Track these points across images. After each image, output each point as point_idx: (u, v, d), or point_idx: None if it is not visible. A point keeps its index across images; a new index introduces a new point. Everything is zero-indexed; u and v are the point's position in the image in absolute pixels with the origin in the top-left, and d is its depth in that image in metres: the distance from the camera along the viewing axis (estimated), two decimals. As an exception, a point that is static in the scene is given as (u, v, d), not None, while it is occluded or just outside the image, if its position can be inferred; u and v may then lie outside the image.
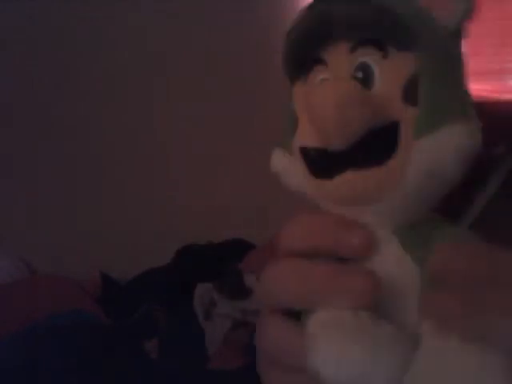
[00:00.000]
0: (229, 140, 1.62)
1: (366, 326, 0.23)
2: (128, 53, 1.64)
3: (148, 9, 1.64)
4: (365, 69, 0.25)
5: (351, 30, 0.25)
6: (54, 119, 1.63)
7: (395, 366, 0.23)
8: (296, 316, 0.26)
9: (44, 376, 0.85)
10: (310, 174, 0.26)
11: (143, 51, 1.62)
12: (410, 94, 0.24)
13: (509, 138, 0.48)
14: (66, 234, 1.57)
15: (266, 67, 1.48)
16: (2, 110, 1.59)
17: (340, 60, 0.26)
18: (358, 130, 0.24)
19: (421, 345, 0.23)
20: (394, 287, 0.25)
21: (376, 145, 0.24)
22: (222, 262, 1.31)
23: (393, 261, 0.25)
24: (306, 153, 0.26)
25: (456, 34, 0.25)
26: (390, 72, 0.24)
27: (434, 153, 0.24)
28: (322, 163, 0.26)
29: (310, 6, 0.26)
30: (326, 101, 0.24)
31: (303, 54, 0.27)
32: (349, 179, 0.25)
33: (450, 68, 0.25)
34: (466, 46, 0.26)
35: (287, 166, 0.28)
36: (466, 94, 0.25)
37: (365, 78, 0.25)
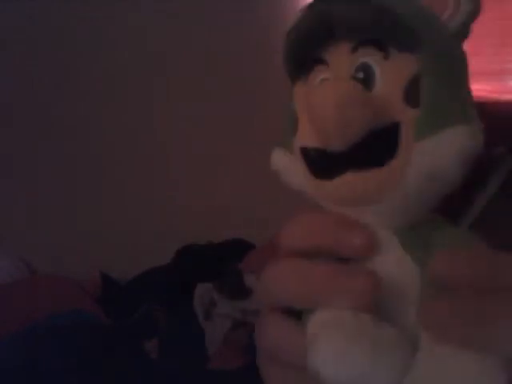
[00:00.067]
0: (229, 140, 1.62)
1: (367, 327, 0.23)
2: (128, 53, 1.64)
3: (148, 9, 1.64)
4: (366, 69, 0.25)
5: (352, 30, 0.25)
6: (53, 119, 1.63)
7: (395, 369, 0.23)
8: (296, 315, 0.26)
9: (44, 376, 0.85)
10: (310, 174, 0.26)
11: (143, 51, 1.62)
12: (411, 95, 0.24)
13: (509, 138, 0.48)
14: (66, 234, 1.56)
15: (266, 67, 1.48)
16: (2, 110, 1.59)
17: (341, 60, 0.25)
18: (358, 130, 0.24)
19: (420, 348, 0.23)
20: (395, 288, 0.25)
21: (376, 146, 0.24)
22: (222, 262, 1.31)
23: (393, 261, 0.25)
24: (306, 153, 0.26)
25: (459, 35, 0.25)
26: (391, 73, 0.24)
27: (434, 155, 0.23)
28: (321, 164, 0.26)
29: (311, 6, 0.26)
30: (325, 101, 0.24)
31: (304, 54, 0.27)
32: (349, 180, 0.25)
33: (452, 69, 0.25)
34: (466, 47, 0.26)
35: (288, 165, 0.28)
36: (468, 95, 0.25)
37: (366, 78, 0.25)
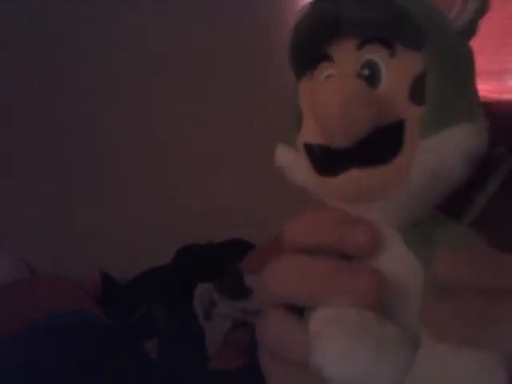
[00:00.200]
0: (229, 140, 1.62)
1: (371, 325, 0.23)
2: (128, 53, 1.63)
3: (148, 9, 1.64)
4: (371, 66, 0.25)
5: (358, 26, 0.24)
6: (53, 119, 1.63)
7: (398, 367, 0.23)
8: (299, 312, 0.26)
9: (44, 376, 0.85)
10: (314, 170, 0.26)
11: (143, 51, 1.62)
12: (416, 92, 0.24)
13: (509, 138, 0.48)
14: (66, 234, 1.56)
15: (266, 67, 1.49)
16: (2, 110, 1.59)
17: (346, 57, 0.25)
18: (363, 128, 0.24)
19: (421, 346, 0.23)
20: (398, 285, 0.24)
21: (381, 143, 0.24)
22: (222, 262, 1.31)
23: (397, 259, 0.25)
24: (310, 149, 0.26)
25: (465, 33, 0.25)
26: (396, 70, 0.24)
27: (439, 153, 0.23)
28: (326, 160, 0.26)
29: (316, 1, 0.26)
30: (330, 99, 0.23)
31: (309, 50, 0.26)
32: (353, 177, 0.25)
33: (458, 67, 0.25)
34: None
35: (292, 162, 0.28)
36: (473, 93, 0.25)
37: (371, 75, 0.25)
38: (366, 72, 0.25)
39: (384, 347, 0.23)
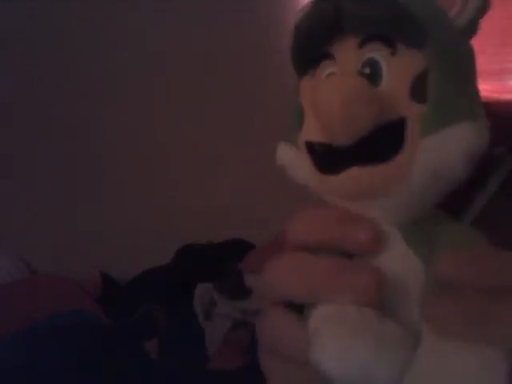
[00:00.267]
0: (229, 140, 1.62)
1: (370, 322, 0.23)
2: (128, 53, 1.63)
3: (148, 9, 1.64)
4: (372, 65, 0.25)
5: (360, 24, 0.25)
6: (54, 119, 1.63)
7: (397, 365, 0.23)
8: (299, 309, 0.26)
9: (44, 376, 0.85)
10: (316, 168, 0.26)
11: (143, 51, 1.62)
12: (418, 91, 0.24)
13: (509, 138, 0.48)
14: (66, 234, 1.56)
15: (266, 67, 1.49)
16: (2, 110, 1.59)
17: (348, 55, 0.25)
18: (364, 126, 0.24)
19: (421, 344, 0.23)
20: (398, 283, 0.24)
21: (382, 141, 0.24)
22: (222, 262, 1.31)
23: (397, 257, 0.25)
24: (311, 147, 0.26)
25: (466, 32, 0.25)
26: (398, 68, 0.24)
27: (440, 152, 0.23)
28: (327, 158, 0.26)
29: (317, 0, 0.26)
30: (332, 97, 0.23)
31: (311, 49, 0.27)
32: (354, 175, 0.25)
33: (459, 65, 0.25)
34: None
35: (293, 160, 0.28)
36: (474, 92, 0.25)
37: (372, 73, 0.25)
38: (367, 70, 0.25)
39: (384, 345, 0.23)
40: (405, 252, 0.25)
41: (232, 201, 1.61)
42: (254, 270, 1.17)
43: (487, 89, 1.49)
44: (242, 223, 1.52)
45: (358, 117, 0.23)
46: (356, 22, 0.25)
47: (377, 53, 0.25)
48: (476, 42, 0.26)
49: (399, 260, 0.25)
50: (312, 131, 0.26)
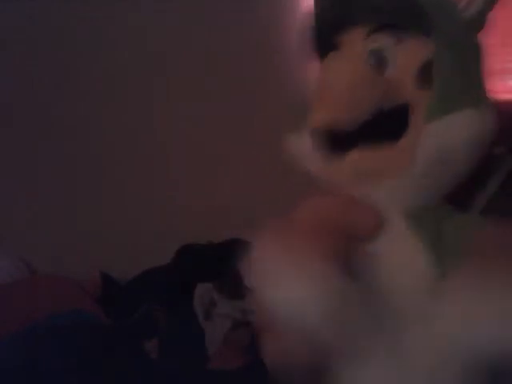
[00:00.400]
0: (229, 140, 1.62)
1: (319, 269, 0.24)
2: (128, 53, 1.63)
3: (148, 9, 1.64)
4: (378, 53, 0.25)
5: (368, 14, 0.25)
6: (54, 119, 1.63)
7: (333, 309, 0.23)
8: None
9: (44, 376, 0.85)
10: (322, 153, 0.27)
11: (143, 51, 1.62)
12: (423, 78, 0.24)
13: (509, 138, 0.48)
14: (66, 234, 1.56)
15: (266, 67, 1.49)
16: (2, 110, 1.59)
17: (355, 44, 0.26)
18: (367, 109, 0.24)
19: (443, 292, 0.23)
20: (398, 266, 0.25)
21: (386, 125, 0.25)
22: (222, 262, 1.30)
23: (397, 241, 0.26)
24: (317, 133, 0.27)
25: (475, 24, 0.26)
26: (404, 56, 0.25)
27: (443, 137, 0.24)
28: (332, 142, 0.26)
29: None
30: (337, 81, 0.24)
31: (320, 40, 0.28)
32: (358, 158, 0.26)
33: (465, 55, 0.25)
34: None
35: (302, 148, 0.28)
36: (479, 80, 0.26)
37: (378, 61, 0.25)
38: (374, 58, 0.25)
39: (323, 283, 0.23)
40: (406, 237, 0.25)
41: (232, 201, 1.61)
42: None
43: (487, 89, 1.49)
44: (241, 223, 1.52)
45: (362, 99, 0.24)
46: (363, 13, 0.25)
47: (384, 41, 0.25)
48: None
49: (399, 244, 0.26)
50: (318, 117, 0.27)
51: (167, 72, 1.65)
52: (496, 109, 0.27)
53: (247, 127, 1.62)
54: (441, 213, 0.26)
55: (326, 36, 0.27)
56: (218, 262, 1.32)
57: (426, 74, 0.24)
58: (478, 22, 0.26)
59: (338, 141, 0.26)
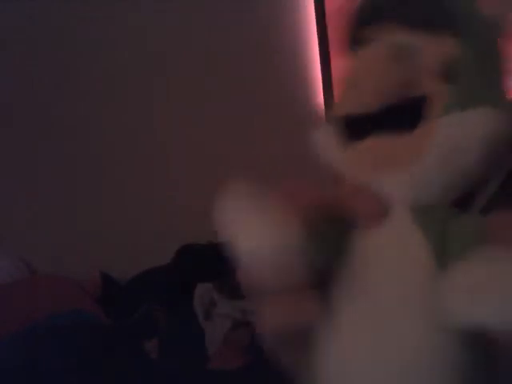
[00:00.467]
0: (229, 140, 1.62)
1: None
2: (128, 53, 1.63)
3: (148, 9, 1.64)
4: (404, 47, 0.26)
5: (397, 11, 0.26)
6: (54, 119, 1.63)
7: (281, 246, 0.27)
8: None
9: (44, 376, 0.85)
10: (341, 141, 0.28)
11: (143, 51, 1.62)
12: (446, 73, 0.25)
13: (509, 138, 0.48)
14: (66, 234, 1.56)
15: (266, 67, 1.49)
16: (2, 110, 1.59)
17: (385, 39, 0.28)
18: (389, 94, 0.25)
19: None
20: (398, 255, 0.25)
21: (404, 113, 0.26)
22: (222, 262, 1.30)
23: (403, 232, 0.26)
24: (338, 120, 0.28)
25: (500, 26, 0.27)
26: (428, 53, 0.26)
27: (457, 132, 0.25)
28: (352, 127, 0.28)
29: None
30: (365, 70, 0.25)
31: (355, 35, 0.29)
32: (373, 144, 0.27)
33: (489, 55, 0.26)
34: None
35: (323, 141, 0.30)
36: (499, 80, 0.27)
37: (403, 53, 0.26)
38: (400, 51, 0.27)
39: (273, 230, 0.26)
40: (411, 231, 0.26)
41: (232, 201, 1.61)
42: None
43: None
44: (241, 223, 1.52)
45: (385, 84, 0.26)
46: (393, 10, 0.27)
47: (410, 38, 0.27)
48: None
49: (402, 236, 0.26)
50: (341, 104, 0.28)
51: (167, 72, 1.65)
52: None
53: (247, 127, 1.62)
54: (447, 214, 0.26)
55: (358, 30, 0.28)
56: (217, 262, 1.32)
57: (448, 69, 0.25)
58: (503, 24, 0.27)
59: (356, 130, 0.27)
